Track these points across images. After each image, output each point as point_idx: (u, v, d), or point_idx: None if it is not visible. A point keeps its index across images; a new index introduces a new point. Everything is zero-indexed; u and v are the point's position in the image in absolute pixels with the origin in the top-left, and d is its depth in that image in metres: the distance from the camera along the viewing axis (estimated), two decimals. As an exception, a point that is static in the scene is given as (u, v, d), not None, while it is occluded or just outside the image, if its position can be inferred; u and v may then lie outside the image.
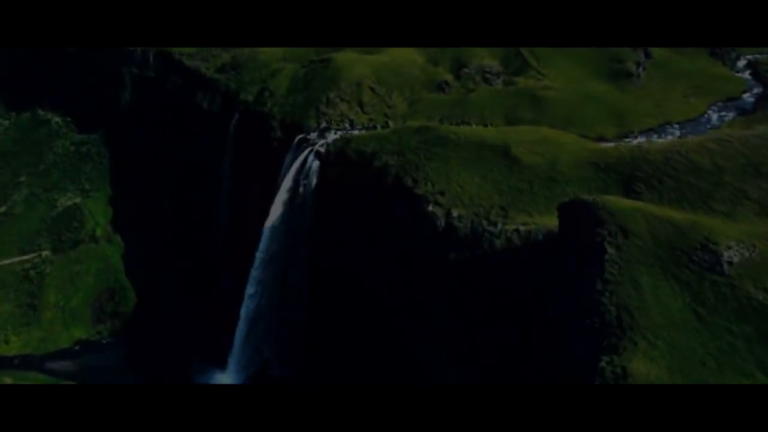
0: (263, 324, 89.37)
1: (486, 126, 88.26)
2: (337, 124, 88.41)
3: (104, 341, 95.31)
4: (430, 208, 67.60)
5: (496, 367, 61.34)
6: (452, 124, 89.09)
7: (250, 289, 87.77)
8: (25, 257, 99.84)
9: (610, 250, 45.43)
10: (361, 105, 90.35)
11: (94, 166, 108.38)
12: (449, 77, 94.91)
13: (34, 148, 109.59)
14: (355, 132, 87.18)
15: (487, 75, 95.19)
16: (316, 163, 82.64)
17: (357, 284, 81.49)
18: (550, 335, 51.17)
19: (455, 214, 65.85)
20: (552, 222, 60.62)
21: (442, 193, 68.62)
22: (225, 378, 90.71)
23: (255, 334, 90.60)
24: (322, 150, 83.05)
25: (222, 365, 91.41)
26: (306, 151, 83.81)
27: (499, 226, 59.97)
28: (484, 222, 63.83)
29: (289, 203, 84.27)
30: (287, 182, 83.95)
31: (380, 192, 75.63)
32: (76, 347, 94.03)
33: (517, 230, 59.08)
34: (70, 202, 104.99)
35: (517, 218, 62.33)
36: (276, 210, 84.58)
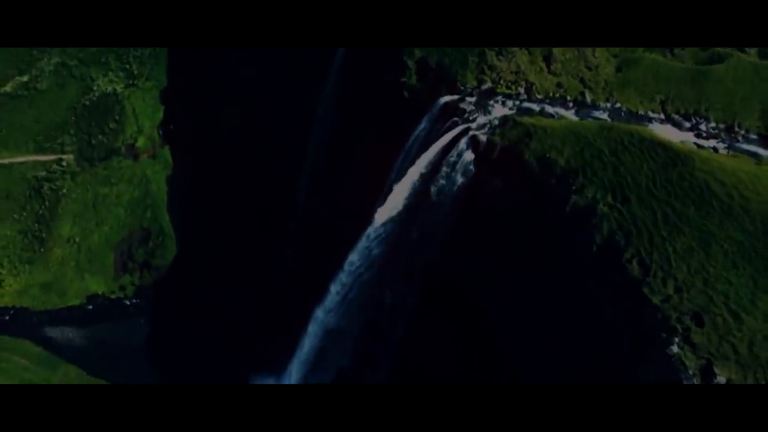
0: (347, 333, 64.08)
1: (733, 127, 57.38)
2: (508, 87, 56.96)
3: (127, 302, 70.85)
4: (675, 348, 38.33)
5: None
6: (679, 113, 58.21)
7: (337, 287, 61.78)
8: (41, 158, 73.76)
9: None
10: (548, 60, 58.11)
11: (150, 41, 78.47)
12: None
13: (76, -4, 79.38)
14: (534, 106, 56.05)
15: (744, 37, 61.19)
16: (469, 155, 52.78)
17: (487, 335, 54.73)
18: None
19: (722, 378, 36.76)
20: None
21: (697, 320, 38.95)
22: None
23: (331, 341, 65.53)
24: (483, 138, 52.59)
25: (278, 369, 67.14)
26: (456, 130, 53.45)
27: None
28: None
29: (415, 198, 55.47)
30: (418, 167, 54.49)
31: (572, 245, 46.35)
32: (89, 306, 69.92)
33: None
34: (109, 88, 76.66)
35: None
36: (394, 200, 56.07)
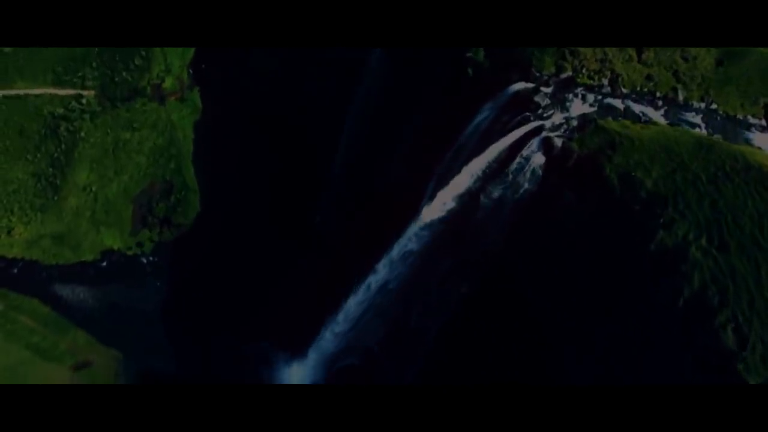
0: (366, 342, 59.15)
1: None
2: (590, 77, 49.17)
3: (143, 260, 65.69)
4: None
5: None
6: (787, 121, 50.80)
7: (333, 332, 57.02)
8: (60, 92, 67.31)
9: None
10: (639, 48, 50.06)
11: (183, -35, 70.27)
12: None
13: None
14: (617, 103, 48.57)
15: None
16: (539, 159, 45.95)
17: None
18: None
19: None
20: None
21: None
22: (299, 370, 62.42)
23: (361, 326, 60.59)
24: (558, 141, 45.59)
25: (297, 350, 62.52)
26: (526, 127, 46.38)
27: None
28: None
29: (471, 201, 49.09)
30: (477, 164, 47.85)
31: (654, 289, 40.10)
32: (103, 263, 64.91)
33: None
34: (137, 19, 68.83)
35: None
36: (443, 200, 49.79)
